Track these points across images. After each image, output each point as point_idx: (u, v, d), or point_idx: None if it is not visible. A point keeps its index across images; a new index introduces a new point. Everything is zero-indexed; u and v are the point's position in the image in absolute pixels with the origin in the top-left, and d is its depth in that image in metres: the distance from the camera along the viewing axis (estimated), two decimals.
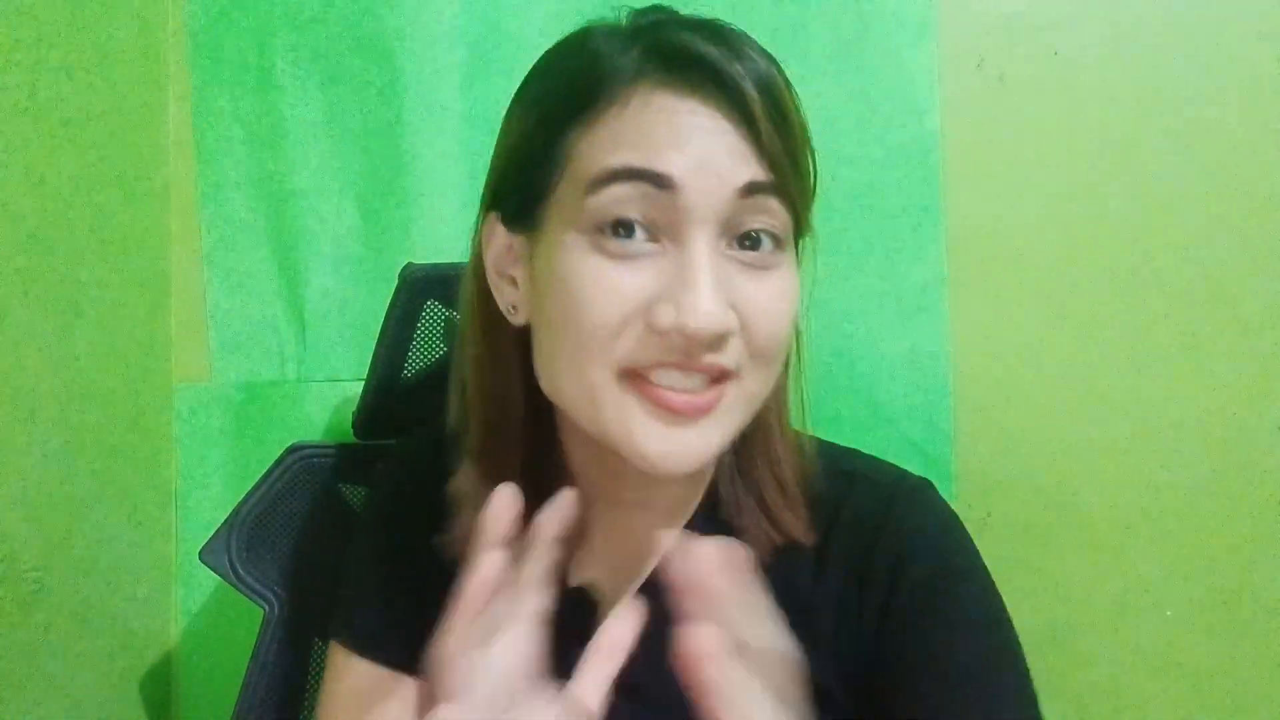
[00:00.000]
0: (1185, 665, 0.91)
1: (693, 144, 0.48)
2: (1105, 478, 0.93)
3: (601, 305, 0.48)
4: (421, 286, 0.81)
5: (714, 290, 0.47)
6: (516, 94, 0.56)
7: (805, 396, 0.61)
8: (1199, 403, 0.92)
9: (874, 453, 0.65)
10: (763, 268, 0.50)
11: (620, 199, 0.48)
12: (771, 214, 0.50)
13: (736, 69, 0.48)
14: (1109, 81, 0.93)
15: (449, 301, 0.82)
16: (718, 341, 0.48)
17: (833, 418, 0.94)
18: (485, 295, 0.57)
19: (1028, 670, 0.54)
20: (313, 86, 0.99)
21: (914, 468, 0.64)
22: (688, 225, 0.48)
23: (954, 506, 0.92)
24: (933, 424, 0.94)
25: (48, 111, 0.82)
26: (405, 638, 0.63)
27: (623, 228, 0.48)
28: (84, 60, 0.87)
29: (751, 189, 0.48)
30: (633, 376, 0.49)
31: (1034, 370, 0.94)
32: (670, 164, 0.47)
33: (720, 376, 0.50)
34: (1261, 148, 0.91)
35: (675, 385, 0.49)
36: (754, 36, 0.54)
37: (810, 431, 0.62)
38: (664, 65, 0.50)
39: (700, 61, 0.49)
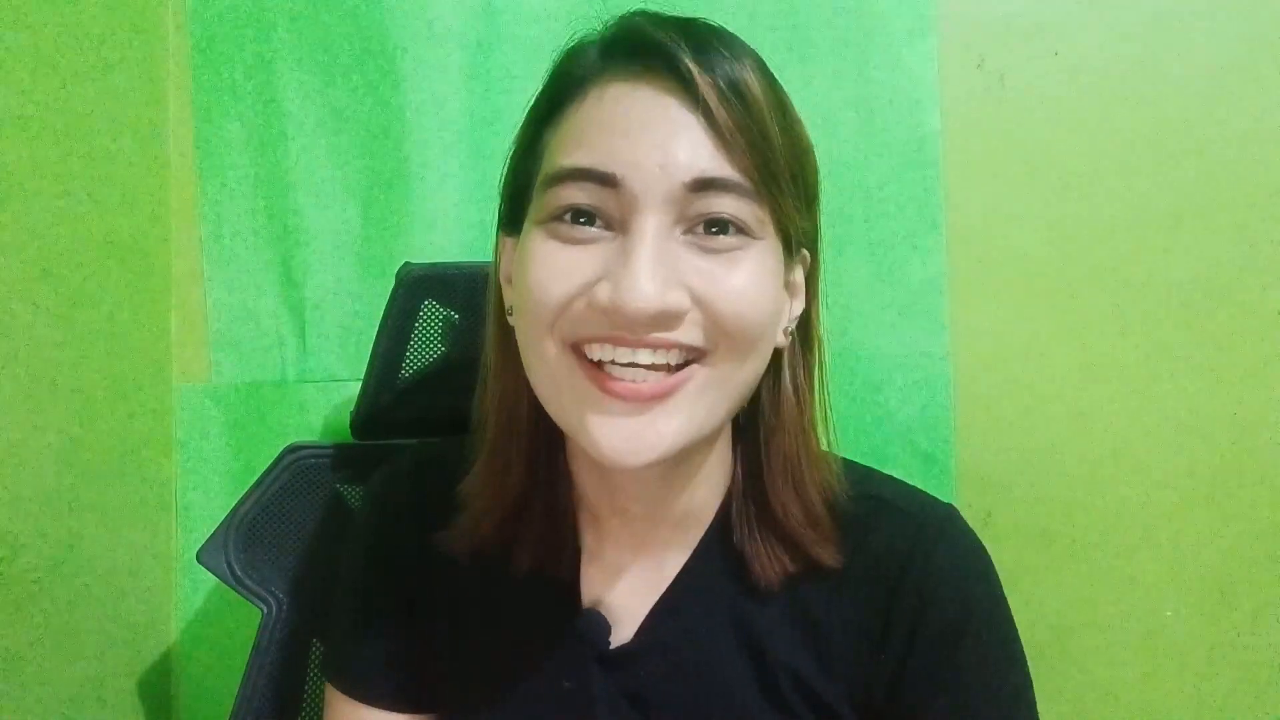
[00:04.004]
0: (1185, 665, 0.91)
1: (642, 134, 0.48)
2: (1105, 477, 0.92)
3: (549, 283, 0.50)
4: (419, 286, 0.81)
5: (652, 271, 0.47)
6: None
7: (830, 416, 0.60)
8: (1199, 402, 0.91)
9: (874, 452, 0.66)
10: (726, 252, 0.50)
11: (573, 194, 0.50)
12: (734, 204, 0.49)
13: (692, 58, 0.48)
14: (1109, 81, 0.93)
15: (447, 301, 0.82)
16: (661, 320, 0.48)
17: (833, 418, 0.94)
18: (499, 301, 0.59)
19: (1035, 707, 0.56)
20: (313, 86, 0.99)
21: (914, 467, 0.64)
22: (634, 214, 0.49)
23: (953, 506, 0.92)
24: (933, 424, 0.94)
25: (48, 112, 0.82)
26: (398, 678, 0.64)
27: (582, 215, 0.50)
28: (84, 61, 0.87)
29: (703, 183, 0.48)
30: (583, 360, 0.50)
31: (1034, 370, 0.94)
32: (614, 161, 0.48)
33: (683, 363, 0.50)
34: (1262, 148, 0.91)
35: (624, 376, 0.49)
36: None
37: (835, 450, 0.61)
38: (622, 57, 0.51)
39: (654, 50, 0.49)
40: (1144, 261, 0.92)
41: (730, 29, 0.53)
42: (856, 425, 0.93)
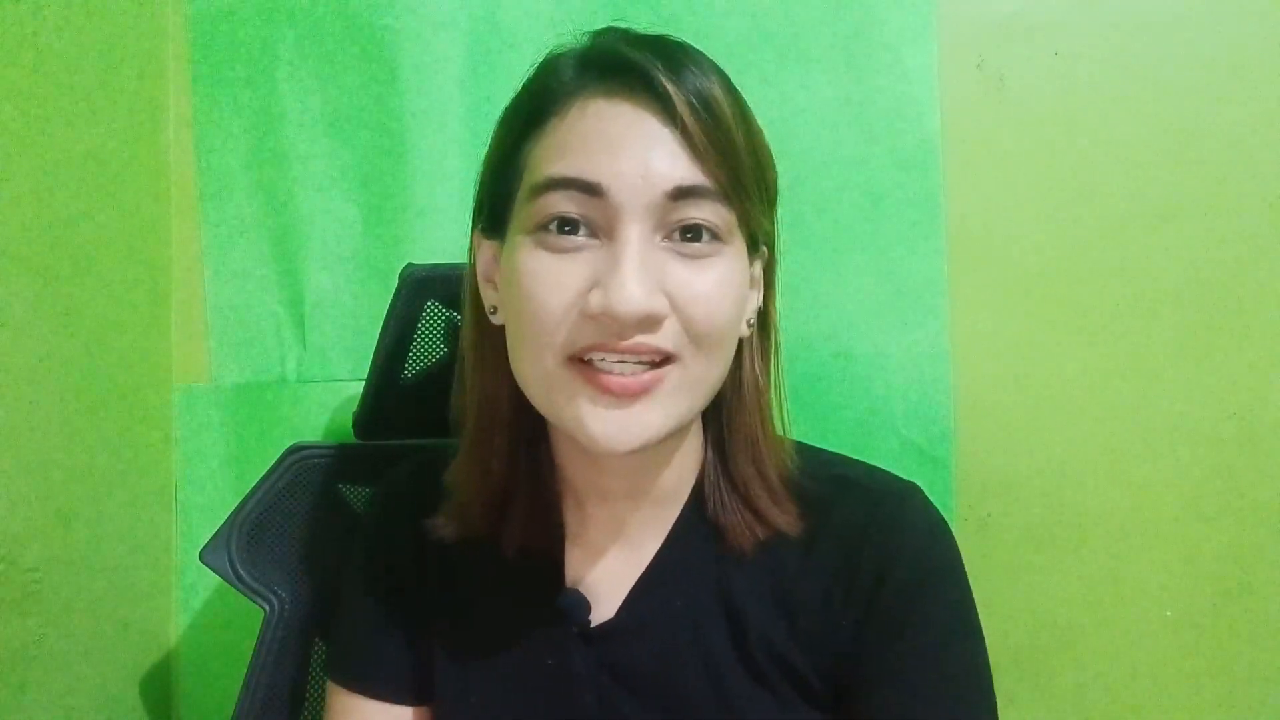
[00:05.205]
0: (1185, 665, 0.91)
1: (623, 148, 0.52)
2: (1105, 478, 0.93)
3: (544, 296, 0.52)
4: (422, 287, 0.81)
5: (639, 276, 0.51)
6: (499, 117, 0.61)
7: (785, 400, 0.64)
8: (1198, 402, 0.92)
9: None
10: (700, 257, 0.53)
11: (559, 203, 0.52)
12: (708, 210, 0.53)
13: (666, 77, 0.52)
14: (1109, 81, 0.93)
15: (449, 302, 0.82)
16: (646, 323, 0.52)
17: (833, 417, 0.94)
18: (476, 300, 0.61)
19: (990, 681, 0.58)
20: (313, 86, 0.99)
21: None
22: (619, 222, 0.52)
23: (954, 507, 0.93)
24: (933, 424, 0.94)
25: (48, 112, 0.82)
26: (400, 671, 0.67)
27: (567, 225, 0.53)
28: (85, 60, 0.87)
29: (681, 192, 0.52)
30: (577, 363, 0.53)
31: (1034, 370, 0.94)
32: (599, 171, 0.51)
33: (662, 360, 0.53)
34: (1261, 148, 0.91)
35: (612, 369, 0.53)
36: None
37: (790, 434, 0.65)
38: (600, 75, 0.54)
39: (631, 69, 0.53)
40: (1144, 261, 0.93)
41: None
42: (857, 425, 0.94)
